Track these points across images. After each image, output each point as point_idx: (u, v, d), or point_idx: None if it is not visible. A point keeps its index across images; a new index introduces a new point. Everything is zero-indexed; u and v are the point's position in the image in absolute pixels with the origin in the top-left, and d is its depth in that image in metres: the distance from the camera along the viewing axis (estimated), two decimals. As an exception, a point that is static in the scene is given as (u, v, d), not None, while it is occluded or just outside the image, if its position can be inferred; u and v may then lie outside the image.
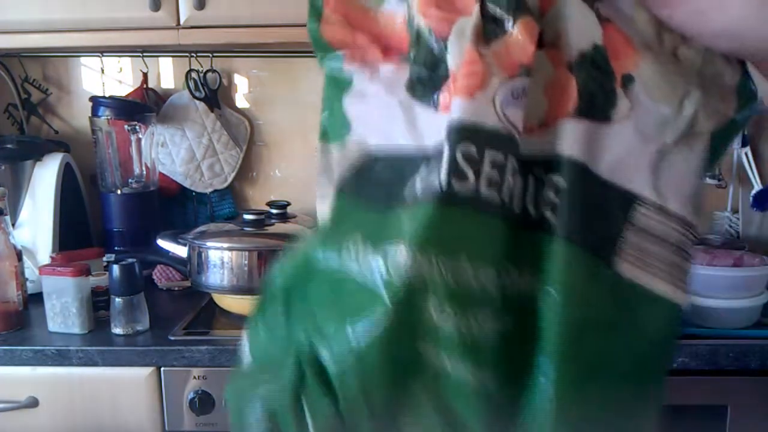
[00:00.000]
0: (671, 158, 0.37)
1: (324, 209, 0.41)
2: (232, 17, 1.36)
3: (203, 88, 1.64)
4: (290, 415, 0.38)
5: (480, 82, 0.35)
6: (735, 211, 1.67)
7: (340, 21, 0.41)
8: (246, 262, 1.29)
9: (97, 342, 1.20)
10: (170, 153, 1.67)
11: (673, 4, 0.29)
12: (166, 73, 1.72)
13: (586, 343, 0.35)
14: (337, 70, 0.42)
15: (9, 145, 1.49)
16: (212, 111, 1.65)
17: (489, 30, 0.36)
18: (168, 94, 1.70)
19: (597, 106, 0.36)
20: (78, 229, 1.59)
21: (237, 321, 1.31)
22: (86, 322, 1.23)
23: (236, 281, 1.30)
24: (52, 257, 1.38)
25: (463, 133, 0.35)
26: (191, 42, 1.40)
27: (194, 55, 1.64)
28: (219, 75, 1.67)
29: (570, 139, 0.36)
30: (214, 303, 1.38)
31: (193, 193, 1.72)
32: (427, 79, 0.38)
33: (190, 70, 1.64)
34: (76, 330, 1.22)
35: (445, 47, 0.37)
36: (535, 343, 0.36)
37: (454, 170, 0.35)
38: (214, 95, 1.66)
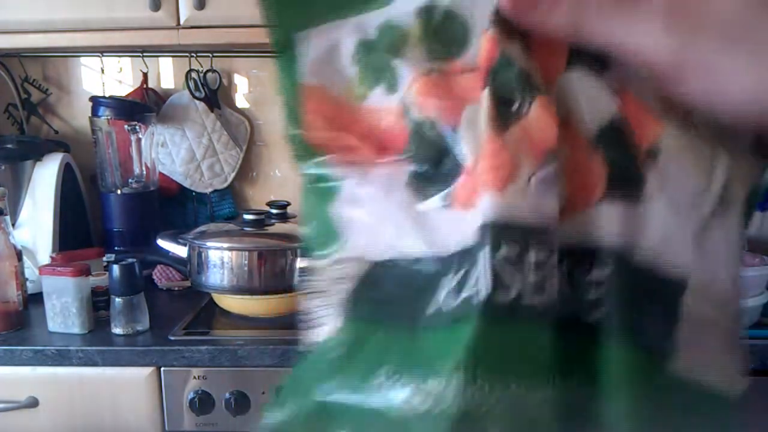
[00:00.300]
0: (711, 232, 0.33)
1: (323, 335, 0.36)
2: (232, 17, 1.36)
3: (203, 88, 1.64)
4: None
5: (509, 174, 0.31)
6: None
7: (323, 123, 0.37)
8: (246, 262, 1.29)
9: (97, 342, 1.19)
10: (170, 153, 1.67)
11: (687, 81, 0.27)
12: (166, 73, 1.72)
13: None
14: (321, 177, 0.37)
15: (9, 145, 1.49)
16: (212, 111, 1.65)
17: (503, 114, 0.32)
18: (168, 94, 1.70)
19: (627, 186, 0.33)
20: (78, 229, 1.59)
21: (237, 321, 1.31)
22: (86, 322, 1.23)
23: (236, 281, 1.29)
24: (52, 257, 1.38)
25: (500, 233, 0.31)
26: (191, 42, 1.40)
27: (194, 55, 1.64)
28: (219, 75, 1.67)
29: (606, 225, 0.32)
30: (214, 303, 1.38)
31: (193, 193, 1.72)
32: (433, 175, 0.34)
33: (190, 70, 1.64)
34: (76, 330, 1.22)
35: (455, 139, 0.33)
36: None
37: (497, 279, 0.31)
38: (214, 95, 1.66)
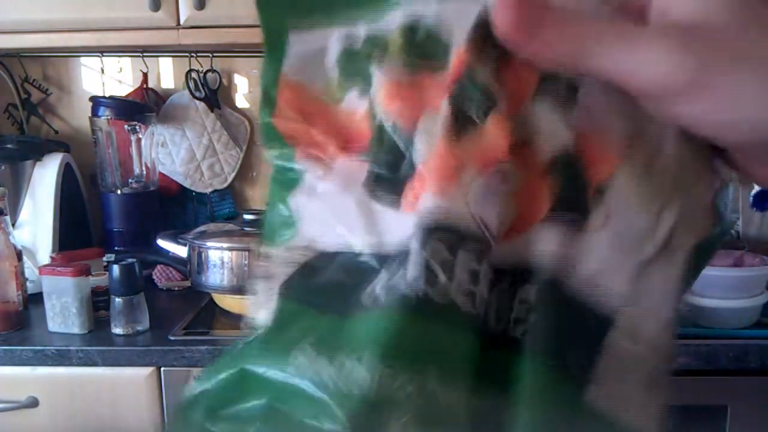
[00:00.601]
0: (650, 274, 0.34)
1: (262, 317, 0.36)
2: (232, 17, 1.36)
3: (203, 88, 1.64)
4: None
5: (451, 177, 0.32)
6: (735, 211, 1.67)
7: (294, 115, 0.38)
8: (246, 262, 1.29)
9: (97, 342, 1.19)
10: (170, 153, 1.67)
11: (683, 102, 0.27)
12: (166, 73, 1.72)
13: None
14: (286, 167, 0.39)
15: (9, 145, 1.49)
16: (212, 111, 1.65)
17: (459, 125, 0.33)
18: (168, 94, 1.70)
19: (570, 214, 0.33)
20: (78, 229, 1.59)
21: (237, 321, 1.31)
22: (86, 322, 1.23)
23: (236, 281, 1.30)
24: (52, 257, 1.38)
25: (434, 232, 0.32)
26: (191, 42, 1.40)
27: (194, 55, 1.64)
28: (219, 75, 1.67)
29: (542, 248, 0.33)
30: (214, 303, 1.38)
31: (193, 193, 1.72)
32: (389, 177, 0.35)
33: (190, 70, 1.64)
34: (76, 330, 1.22)
35: (411, 143, 0.34)
36: None
37: (425, 273, 0.32)
38: (214, 95, 1.66)
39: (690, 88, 0.26)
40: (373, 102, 0.36)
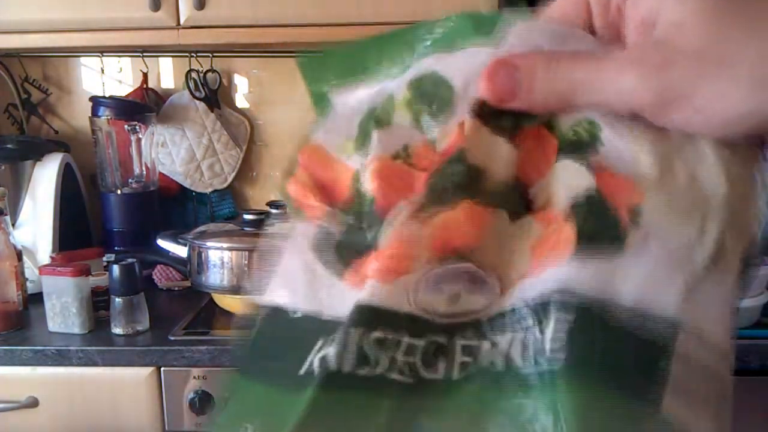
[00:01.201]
0: (707, 282, 0.33)
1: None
2: (232, 17, 1.36)
3: (203, 88, 1.64)
4: None
5: (401, 266, 0.33)
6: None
7: (304, 179, 0.39)
8: (246, 262, 1.29)
9: (97, 342, 1.20)
10: (170, 153, 1.67)
11: (669, 113, 0.29)
12: (166, 73, 1.72)
13: None
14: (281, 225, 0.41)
15: (9, 145, 1.49)
16: (212, 111, 1.65)
17: (430, 209, 0.34)
18: (168, 94, 1.70)
19: (602, 242, 0.33)
20: (78, 229, 1.59)
21: (237, 321, 1.31)
22: (86, 322, 1.23)
23: (236, 281, 1.30)
24: (52, 257, 1.38)
25: (369, 316, 0.33)
26: (191, 42, 1.40)
27: (194, 55, 1.64)
28: (219, 75, 1.67)
29: (576, 284, 0.33)
30: (214, 303, 1.38)
31: (193, 193, 1.72)
32: (346, 246, 0.36)
33: (190, 70, 1.64)
34: (76, 330, 1.22)
35: (380, 223, 0.35)
36: None
37: (355, 351, 0.33)
38: (214, 95, 1.66)
39: (664, 103, 0.28)
40: (363, 165, 0.37)
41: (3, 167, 1.46)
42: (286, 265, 0.38)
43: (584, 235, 0.32)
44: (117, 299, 1.21)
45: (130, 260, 1.22)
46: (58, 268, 1.23)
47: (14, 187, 1.47)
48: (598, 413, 0.32)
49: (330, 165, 0.39)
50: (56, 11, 1.36)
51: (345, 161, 0.39)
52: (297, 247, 0.38)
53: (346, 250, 0.36)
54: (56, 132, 1.73)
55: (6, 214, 1.29)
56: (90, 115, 1.59)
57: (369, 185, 0.36)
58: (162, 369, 1.18)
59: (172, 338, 1.19)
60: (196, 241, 1.33)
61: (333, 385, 0.33)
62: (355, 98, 0.39)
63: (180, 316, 1.31)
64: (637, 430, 0.32)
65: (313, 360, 0.34)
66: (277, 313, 0.38)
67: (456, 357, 0.35)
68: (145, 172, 1.61)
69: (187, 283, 1.45)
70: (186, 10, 1.36)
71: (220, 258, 1.30)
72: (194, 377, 1.17)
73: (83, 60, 1.72)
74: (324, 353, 0.34)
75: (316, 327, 0.36)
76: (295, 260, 0.38)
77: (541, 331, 0.33)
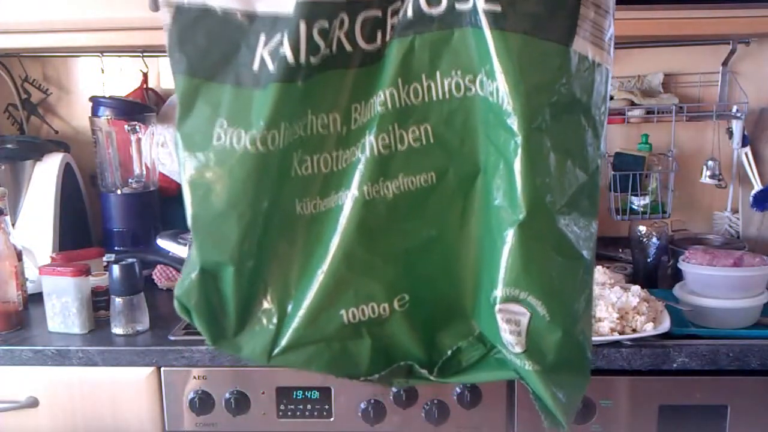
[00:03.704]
0: None
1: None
2: (232, 17, 1.36)
3: (203, 88, 1.64)
4: None
5: None
6: (735, 211, 1.67)
7: None
8: (246, 262, 1.28)
9: (97, 342, 1.19)
10: (170, 153, 1.67)
11: None
12: (166, 73, 1.72)
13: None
14: None
15: (9, 145, 1.49)
16: (212, 111, 1.65)
17: None
18: (168, 94, 1.70)
19: None
20: (78, 229, 1.59)
21: (237, 321, 1.31)
22: (86, 322, 1.23)
23: (236, 281, 1.29)
24: (52, 257, 1.38)
25: (312, 7, 0.38)
26: (191, 42, 1.40)
27: (194, 55, 1.64)
28: (219, 75, 1.66)
29: None
30: (214, 303, 1.38)
31: (193, 193, 1.71)
32: None
33: (190, 70, 1.63)
34: (76, 330, 1.22)
35: None
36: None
37: (308, 44, 0.38)
38: (214, 95, 1.66)
39: None
40: None
41: (3, 167, 1.46)
42: None
43: None
44: (117, 299, 1.21)
45: (130, 260, 1.22)
46: (58, 268, 1.23)
47: (14, 187, 1.47)
48: (525, 51, 0.40)
49: None
50: (56, 11, 1.36)
51: None
52: None
53: None
54: (56, 132, 1.73)
55: (6, 214, 1.29)
56: (90, 115, 1.59)
57: None
58: (162, 369, 1.18)
59: (172, 338, 1.19)
60: (196, 241, 1.33)
61: (293, 78, 0.38)
62: None
63: (180, 316, 1.31)
64: (555, 61, 0.40)
65: (263, 54, 0.40)
66: (207, 14, 0.41)
67: (387, 23, 0.41)
68: (145, 172, 1.61)
69: (187, 283, 1.44)
70: (186, 10, 1.36)
71: (220, 258, 1.29)
72: (194, 377, 1.17)
73: (83, 60, 1.72)
74: (272, 47, 0.40)
75: (251, 23, 0.40)
76: None
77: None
